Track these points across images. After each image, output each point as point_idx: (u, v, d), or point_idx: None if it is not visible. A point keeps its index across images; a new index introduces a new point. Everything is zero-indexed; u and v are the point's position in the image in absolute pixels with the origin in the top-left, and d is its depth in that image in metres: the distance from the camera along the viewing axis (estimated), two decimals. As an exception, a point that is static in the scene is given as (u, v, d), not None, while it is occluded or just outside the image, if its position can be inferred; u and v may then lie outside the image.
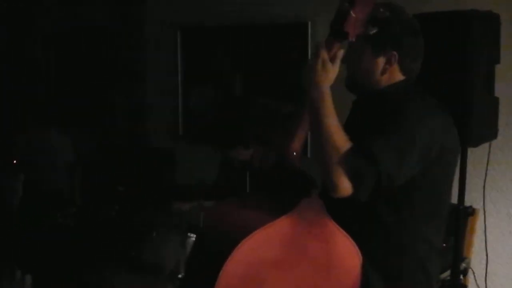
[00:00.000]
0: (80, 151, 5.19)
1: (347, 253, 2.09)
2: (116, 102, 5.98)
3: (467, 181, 3.15)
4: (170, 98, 5.64)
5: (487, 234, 3.63)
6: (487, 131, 3.16)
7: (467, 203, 3.33)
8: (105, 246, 3.95)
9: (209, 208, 3.44)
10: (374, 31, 2.04)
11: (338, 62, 2.02)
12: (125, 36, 5.91)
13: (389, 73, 2.21)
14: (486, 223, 3.57)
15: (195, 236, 3.32)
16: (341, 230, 2.08)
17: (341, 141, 1.96)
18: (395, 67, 2.20)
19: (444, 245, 2.44)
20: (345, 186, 1.92)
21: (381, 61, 2.19)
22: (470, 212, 3.34)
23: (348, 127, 2.28)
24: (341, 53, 2.03)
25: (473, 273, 3.66)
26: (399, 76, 2.22)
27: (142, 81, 5.87)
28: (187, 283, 2.34)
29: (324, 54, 2.00)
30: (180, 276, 3.37)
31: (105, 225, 4.10)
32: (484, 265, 3.73)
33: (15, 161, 4.70)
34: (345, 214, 2.09)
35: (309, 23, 4.67)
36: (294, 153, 2.23)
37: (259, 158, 2.72)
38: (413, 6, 2.29)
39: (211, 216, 2.33)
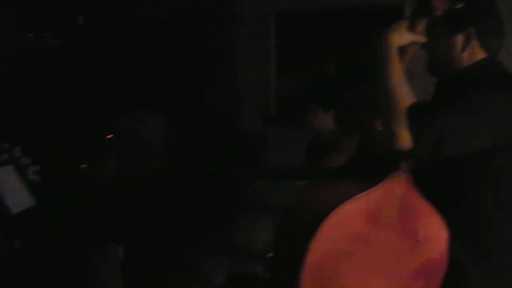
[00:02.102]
0: (172, 133, 5.22)
1: (435, 227, 2.09)
2: (208, 85, 6.02)
3: None
4: (264, 81, 5.62)
5: None
6: None
7: None
8: (193, 227, 3.96)
9: (300, 187, 3.39)
10: (460, 6, 2.05)
11: (416, 35, 2.07)
12: (217, 20, 5.93)
13: (469, 50, 2.16)
14: None
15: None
16: (428, 203, 2.08)
17: (405, 95, 2.01)
18: (475, 43, 2.15)
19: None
20: (405, 137, 1.95)
21: (460, 38, 2.15)
22: None
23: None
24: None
25: None
26: (479, 54, 2.17)
27: (235, 63, 5.87)
28: (275, 261, 2.34)
29: (404, 22, 2.08)
30: (269, 255, 3.33)
31: (193, 205, 4.10)
32: None
33: (109, 136, 4.76)
34: (435, 192, 2.09)
35: (405, 4, 4.53)
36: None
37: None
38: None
39: (300, 193, 2.33)
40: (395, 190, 2.01)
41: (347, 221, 1.93)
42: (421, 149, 1.98)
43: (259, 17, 5.61)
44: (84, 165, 4.82)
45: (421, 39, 2.10)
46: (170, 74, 6.21)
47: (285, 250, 2.07)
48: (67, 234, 3.66)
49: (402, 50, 2.07)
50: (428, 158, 2.00)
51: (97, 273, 3.08)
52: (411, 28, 2.08)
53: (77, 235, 3.69)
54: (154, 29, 6.34)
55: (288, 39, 5.44)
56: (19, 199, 3.62)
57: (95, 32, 6.72)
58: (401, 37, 2.06)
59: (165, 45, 6.25)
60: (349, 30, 4.97)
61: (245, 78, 5.82)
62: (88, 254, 3.50)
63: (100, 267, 2.99)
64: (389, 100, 2.01)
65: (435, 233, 2.09)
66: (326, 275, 1.92)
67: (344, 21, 4.99)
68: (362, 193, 1.96)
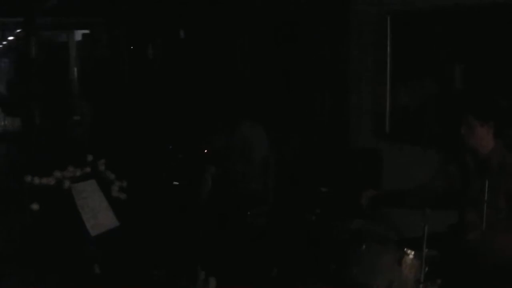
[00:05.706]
0: (278, 147, 4.75)
1: None
2: (317, 96, 5.52)
3: None
4: (377, 92, 5.04)
5: None
6: None
7: None
8: (301, 254, 3.44)
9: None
10: None
11: None
12: (327, 26, 5.43)
13: None
14: None
15: (413, 253, 2.68)
16: None
17: None
18: None
19: None
20: None
21: None
22: None
23: None
24: None
25: None
26: None
27: (346, 74, 5.34)
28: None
29: None
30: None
31: (302, 229, 3.59)
32: None
33: (206, 151, 4.39)
34: None
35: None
36: None
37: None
38: None
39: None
40: None
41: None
42: None
43: (373, 19, 5.05)
44: (176, 182, 4.48)
45: None
46: (276, 86, 5.80)
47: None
48: (153, 260, 3.30)
49: None
50: None
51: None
52: None
53: (168, 261, 3.33)
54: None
55: (406, 43, 4.83)
56: (101, 219, 3.23)
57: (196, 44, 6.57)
58: None
59: (269, 55, 5.89)
60: (478, 32, 4.27)
61: (358, 88, 5.27)
62: (178, 284, 3.14)
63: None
64: None
65: None
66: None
67: (472, 20, 4.29)
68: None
